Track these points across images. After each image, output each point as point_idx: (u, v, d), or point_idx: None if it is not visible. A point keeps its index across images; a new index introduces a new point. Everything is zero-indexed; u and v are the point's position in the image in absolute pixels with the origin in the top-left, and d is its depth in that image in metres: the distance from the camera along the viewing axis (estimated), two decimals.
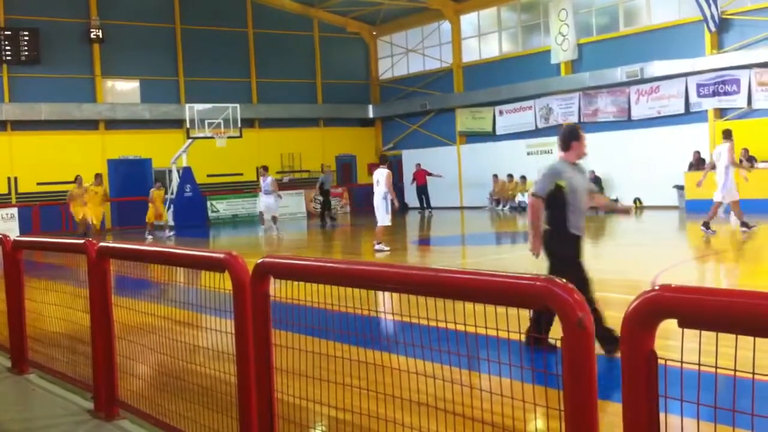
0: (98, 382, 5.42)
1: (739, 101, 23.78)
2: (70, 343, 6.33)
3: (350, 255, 17.84)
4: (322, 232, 25.45)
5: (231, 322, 3.94)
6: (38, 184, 28.78)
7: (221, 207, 31.38)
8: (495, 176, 30.82)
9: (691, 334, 2.07)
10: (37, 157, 28.70)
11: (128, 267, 5.50)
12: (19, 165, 28.83)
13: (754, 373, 2.03)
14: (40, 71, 29.25)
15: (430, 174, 31.34)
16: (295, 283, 3.63)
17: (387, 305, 7.01)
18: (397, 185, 17.41)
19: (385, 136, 37.60)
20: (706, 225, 16.34)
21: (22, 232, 25.32)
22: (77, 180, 20.81)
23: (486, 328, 2.77)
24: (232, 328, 3.93)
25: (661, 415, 2.15)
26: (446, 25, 34.04)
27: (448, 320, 2.96)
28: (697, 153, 24.19)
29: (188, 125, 28.47)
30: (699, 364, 2.13)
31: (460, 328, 2.95)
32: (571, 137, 7.05)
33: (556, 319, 2.39)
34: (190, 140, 28.48)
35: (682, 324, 2.06)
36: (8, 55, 28.73)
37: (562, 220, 6.82)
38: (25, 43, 28.93)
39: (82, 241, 5.66)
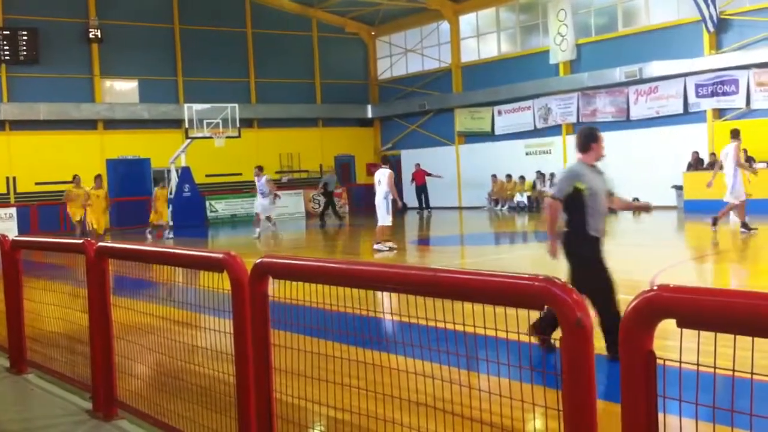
0: (97, 382, 5.42)
1: (737, 101, 23.79)
2: (69, 343, 6.32)
3: (349, 255, 17.84)
4: (322, 232, 25.44)
5: (230, 322, 3.94)
6: (37, 183, 28.76)
7: (220, 207, 31.37)
8: (494, 176, 30.82)
9: (689, 334, 2.07)
10: (35, 156, 28.69)
11: (127, 267, 5.49)
12: (18, 165, 28.82)
13: (752, 374, 2.03)
14: (39, 71, 29.24)
15: (429, 174, 31.34)
16: (294, 283, 3.62)
17: (386, 305, 7.01)
18: (396, 185, 17.42)
19: (383, 136, 37.60)
20: (715, 221, 16.52)
21: (21, 232, 25.30)
22: (75, 180, 20.78)
23: (485, 328, 2.77)
24: (230, 328, 3.93)
25: (660, 415, 2.15)
26: (445, 26, 34.04)
27: (447, 320, 2.96)
28: (696, 153, 24.20)
29: (187, 125, 28.46)
30: (698, 364, 2.14)
31: (459, 328, 2.95)
32: (590, 139, 6.99)
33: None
34: (188, 140, 28.47)
35: (681, 324, 2.06)
36: (7, 55, 28.72)
37: (581, 222, 6.75)
38: (24, 42, 28.92)
39: (80, 241, 5.66)
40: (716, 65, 24.08)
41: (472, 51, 33.41)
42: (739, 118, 23.88)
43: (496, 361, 2.94)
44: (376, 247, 16.76)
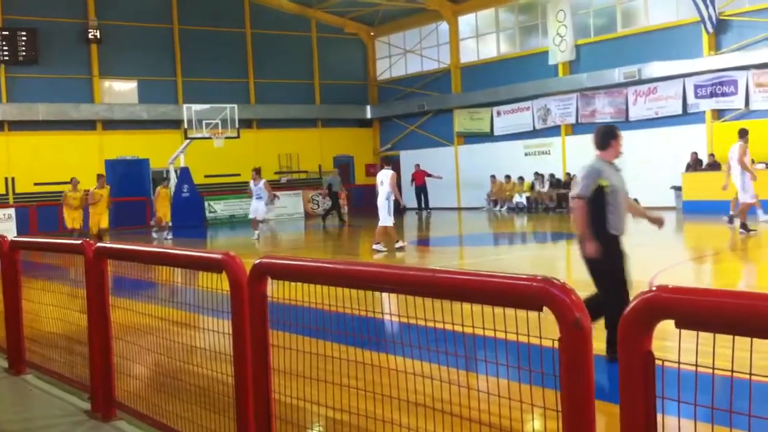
0: (95, 383, 5.41)
1: (736, 102, 23.80)
2: (68, 344, 6.32)
3: (348, 256, 17.83)
4: (322, 233, 25.43)
5: (228, 322, 3.94)
6: (35, 184, 28.75)
7: (219, 207, 31.35)
8: (493, 177, 30.82)
9: (688, 334, 2.07)
10: (34, 157, 28.67)
11: (125, 267, 5.49)
12: (17, 165, 28.81)
13: (751, 374, 2.03)
14: (38, 71, 29.23)
15: (429, 175, 31.35)
16: (293, 283, 3.62)
17: (384, 306, 7.01)
18: (396, 186, 17.54)
19: (382, 136, 37.60)
20: (731, 220, 16.47)
21: (20, 233, 25.29)
22: (72, 182, 20.75)
23: (483, 328, 2.77)
24: (229, 328, 3.93)
25: (658, 416, 2.15)
26: (444, 26, 34.05)
27: (446, 321, 2.96)
28: (695, 154, 24.19)
29: (186, 125, 28.46)
30: (696, 365, 2.13)
31: (458, 328, 2.95)
32: (609, 136, 6.93)
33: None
34: (187, 141, 28.47)
35: (680, 325, 2.06)
36: (6, 55, 28.72)
37: (601, 221, 6.64)
38: (23, 43, 28.91)
39: (79, 242, 5.65)
40: (715, 66, 24.09)
41: (471, 51, 33.42)
42: (738, 119, 23.88)
43: (495, 362, 2.94)
44: (375, 247, 16.77)
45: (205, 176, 31.55)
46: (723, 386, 2.13)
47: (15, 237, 7.61)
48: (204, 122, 28.50)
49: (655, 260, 13.44)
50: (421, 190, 31.76)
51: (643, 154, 25.78)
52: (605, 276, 6.63)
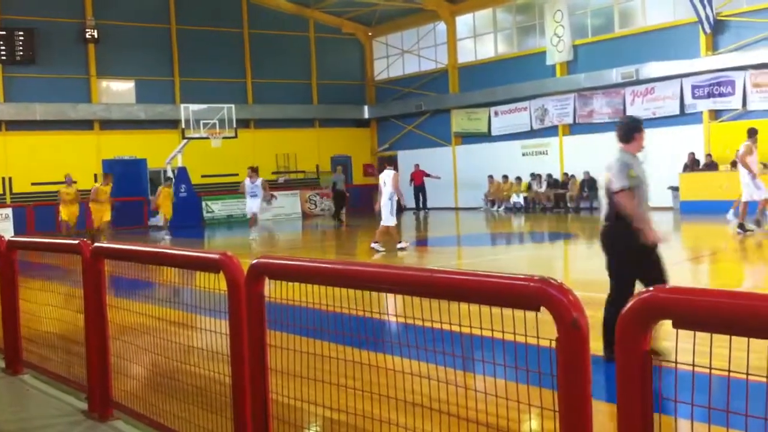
0: (92, 383, 5.41)
1: (734, 103, 23.82)
2: (65, 344, 6.32)
3: (345, 255, 17.83)
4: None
5: (226, 322, 3.94)
6: (33, 184, 28.70)
7: (216, 207, 31.33)
8: (490, 177, 30.83)
9: (685, 334, 2.07)
10: (31, 157, 28.63)
11: (123, 267, 5.49)
12: (14, 165, 28.77)
13: (748, 374, 2.04)
14: (36, 71, 29.19)
15: (428, 175, 31.37)
16: (290, 283, 3.62)
17: (382, 306, 7.01)
18: None
19: (380, 136, 37.60)
20: (758, 224, 16.40)
21: (17, 233, 25.26)
22: (66, 179, 20.73)
23: (481, 328, 2.77)
24: (226, 328, 3.93)
25: (656, 416, 2.16)
26: (442, 26, 34.05)
27: (443, 321, 2.96)
28: (692, 154, 24.21)
29: (183, 125, 28.44)
30: (693, 365, 2.14)
31: (456, 328, 2.95)
32: (633, 129, 6.86)
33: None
34: (185, 140, 28.45)
35: (677, 325, 2.06)
36: (3, 55, 28.68)
37: (624, 215, 6.58)
38: (21, 43, 28.87)
39: (76, 242, 5.64)
40: (713, 66, 24.11)
41: (469, 52, 33.43)
42: (736, 120, 23.91)
43: (493, 362, 2.94)
44: (373, 245, 16.79)
45: (203, 176, 31.52)
46: (720, 386, 2.14)
47: (12, 237, 7.60)
48: (201, 122, 28.48)
49: None
50: (420, 190, 31.77)
51: (641, 155, 25.81)
52: (623, 269, 6.53)
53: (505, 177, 30.35)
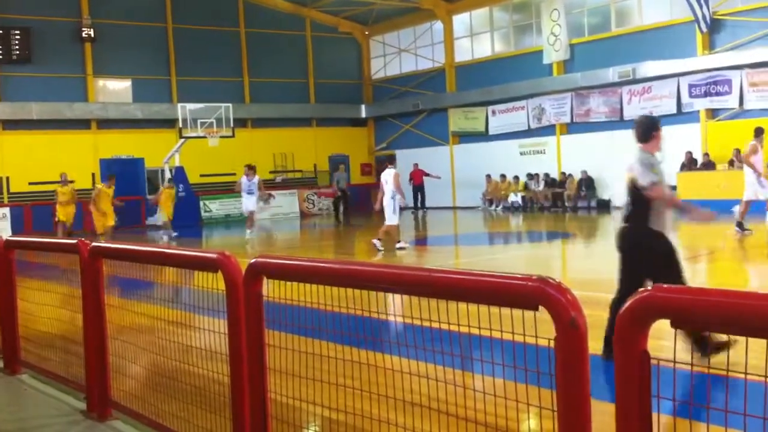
0: (91, 383, 5.41)
1: (730, 102, 23.84)
2: (63, 344, 6.31)
3: (343, 255, 17.84)
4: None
5: (224, 322, 3.94)
6: (30, 183, 28.66)
7: (214, 207, 31.31)
8: (488, 176, 30.83)
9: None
10: (28, 156, 28.58)
11: (121, 267, 5.48)
12: (11, 164, 28.73)
13: (746, 373, 2.04)
14: (32, 70, 29.14)
15: (427, 174, 31.37)
16: (288, 283, 3.63)
17: (380, 305, 7.00)
18: None
19: (377, 135, 37.59)
20: (740, 225, 16.35)
21: (14, 232, 25.23)
22: (61, 178, 20.63)
23: (479, 328, 2.77)
24: (225, 328, 3.93)
25: (654, 415, 2.16)
26: (438, 25, 34.04)
27: (442, 320, 2.96)
28: (689, 153, 24.24)
29: (180, 125, 28.41)
30: (691, 364, 2.14)
31: (454, 328, 2.95)
32: (651, 128, 6.77)
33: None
34: (182, 140, 28.42)
35: (675, 324, 2.07)
36: (0, 54, 28.63)
37: (644, 216, 6.44)
38: (17, 42, 28.82)
39: (74, 241, 5.64)
40: (709, 65, 24.13)
41: (466, 51, 33.42)
42: (732, 119, 23.95)
43: (491, 361, 2.95)
44: (374, 241, 16.83)
45: (200, 175, 31.48)
46: (718, 385, 2.14)
47: (9, 236, 7.59)
48: (199, 121, 28.44)
49: None
50: (419, 190, 31.76)
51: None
52: (638, 270, 6.41)
53: (503, 176, 30.36)
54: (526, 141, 30.30)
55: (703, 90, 24.42)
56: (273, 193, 26.77)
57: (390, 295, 3.50)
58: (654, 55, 25.39)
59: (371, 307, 3.36)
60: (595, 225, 23.11)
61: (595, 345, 6.21)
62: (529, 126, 30.09)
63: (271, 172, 33.31)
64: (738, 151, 22.21)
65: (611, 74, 26.54)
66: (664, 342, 2.31)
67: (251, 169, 21.88)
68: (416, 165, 32.00)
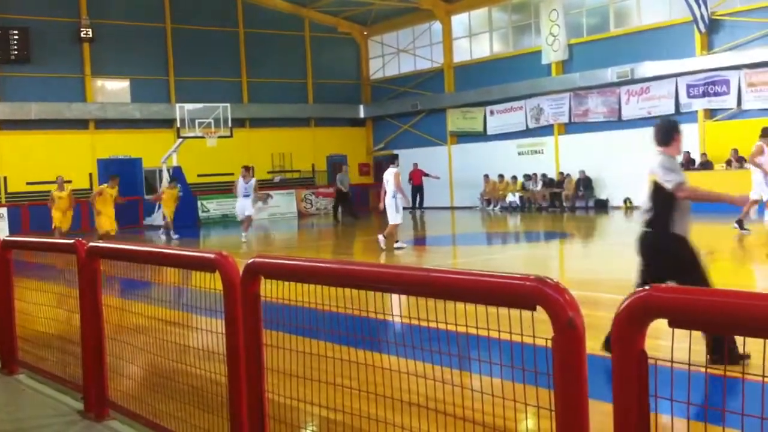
0: (88, 383, 5.40)
1: (729, 102, 23.86)
2: (60, 344, 6.30)
3: (341, 255, 17.83)
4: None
5: (221, 322, 3.93)
6: (27, 183, 28.64)
7: (212, 207, 31.29)
8: (486, 176, 30.84)
9: (681, 333, 2.08)
10: (26, 156, 28.56)
11: (118, 267, 5.48)
12: (9, 164, 28.70)
13: (744, 373, 2.04)
14: (30, 70, 29.12)
15: (426, 175, 31.37)
16: (286, 283, 3.62)
17: (378, 305, 7.00)
18: None
19: (376, 136, 37.59)
20: (740, 224, 16.30)
21: (12, 232, 25.19)
22: (57, 181, 20.54)
23: (477, 328, 2.77)
24: (222, 328, 3.93)
25: (652, 415, 2.16)
26: (437, 26, 34.05)
27: (440, 320, 2.96)
28: (687, 153, 24.23)
29: (179, 125, 28.38)
30: (689, 364, 2.14)
31: (452, 328, 2.95)
32: (672, 131, 6.61)
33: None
34: (180, 140, 28.39)
35: (673, 324, 2.07)
36: None
37: (665, 220, 6.34)
38: (15, 42, 28.80)
39: (71, 241, 5.63)
40: (708, 66, 24.15)
41: (465, 51, 33.43)
42: (731, 119, 23.96)
43: (489, 361, 2.94)
44: (379, 236, 16.88)
45: (198, 176, 31.46)
46: (716, 385, 2.14)
47: (7, 236, 7.58)
48: (197, 121, 28.41)
49: None
50: (418, 190, 31.75)
51: (636, 154, 25.81)
52: (660, 275, 6.26)
53: (501, 176, 30.37)
54: (524, 141, 30.32)
55: (702, 90, 24.43)
56: (271, 193, 26.75)
57: (388, 295, 3.50)
58: (652, 55, 25.41)
59: (369, 307, 3.36)
60: (593, 225, 23.12)
61: (593, 345, 6.21)
62: (527, 126, 30.10)
63: (269, 172, 33.32)
64: (736, 151, 22.26)
65: (609, 74, 26.56)
66: (662, 342, 2.30)
67: (248, 170, 21.35)
68: (416, 165, 32.01)
